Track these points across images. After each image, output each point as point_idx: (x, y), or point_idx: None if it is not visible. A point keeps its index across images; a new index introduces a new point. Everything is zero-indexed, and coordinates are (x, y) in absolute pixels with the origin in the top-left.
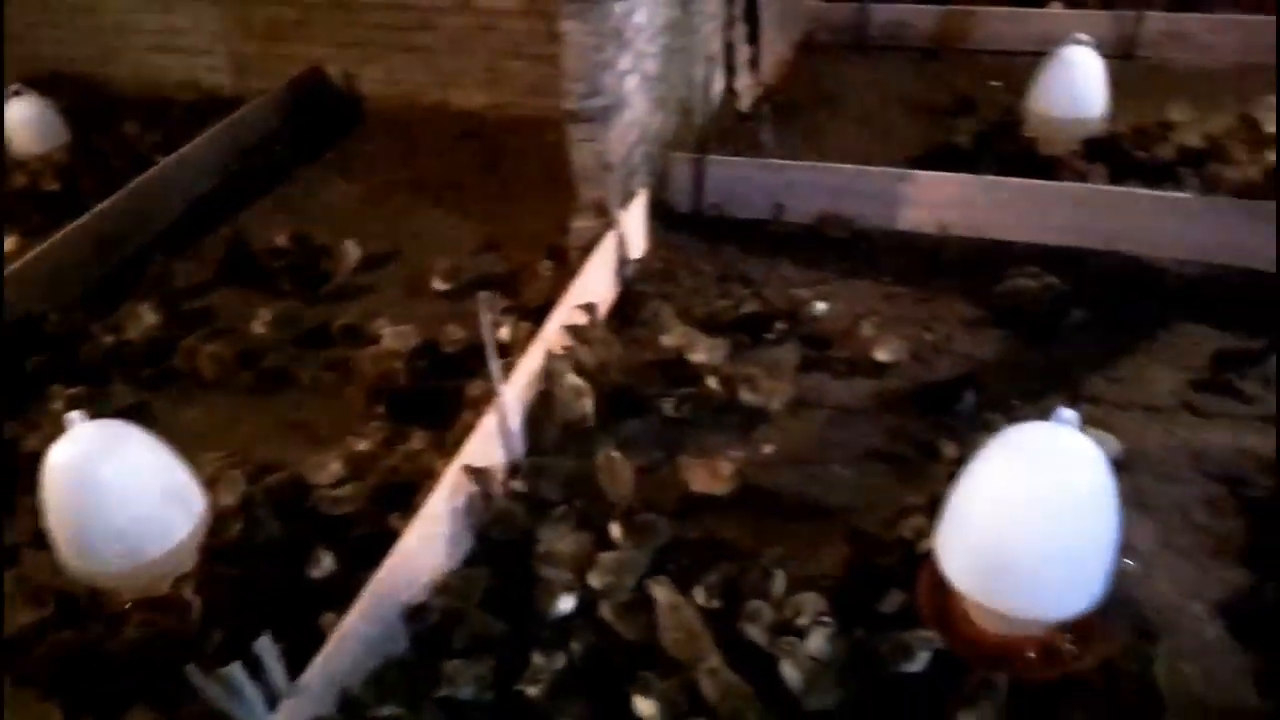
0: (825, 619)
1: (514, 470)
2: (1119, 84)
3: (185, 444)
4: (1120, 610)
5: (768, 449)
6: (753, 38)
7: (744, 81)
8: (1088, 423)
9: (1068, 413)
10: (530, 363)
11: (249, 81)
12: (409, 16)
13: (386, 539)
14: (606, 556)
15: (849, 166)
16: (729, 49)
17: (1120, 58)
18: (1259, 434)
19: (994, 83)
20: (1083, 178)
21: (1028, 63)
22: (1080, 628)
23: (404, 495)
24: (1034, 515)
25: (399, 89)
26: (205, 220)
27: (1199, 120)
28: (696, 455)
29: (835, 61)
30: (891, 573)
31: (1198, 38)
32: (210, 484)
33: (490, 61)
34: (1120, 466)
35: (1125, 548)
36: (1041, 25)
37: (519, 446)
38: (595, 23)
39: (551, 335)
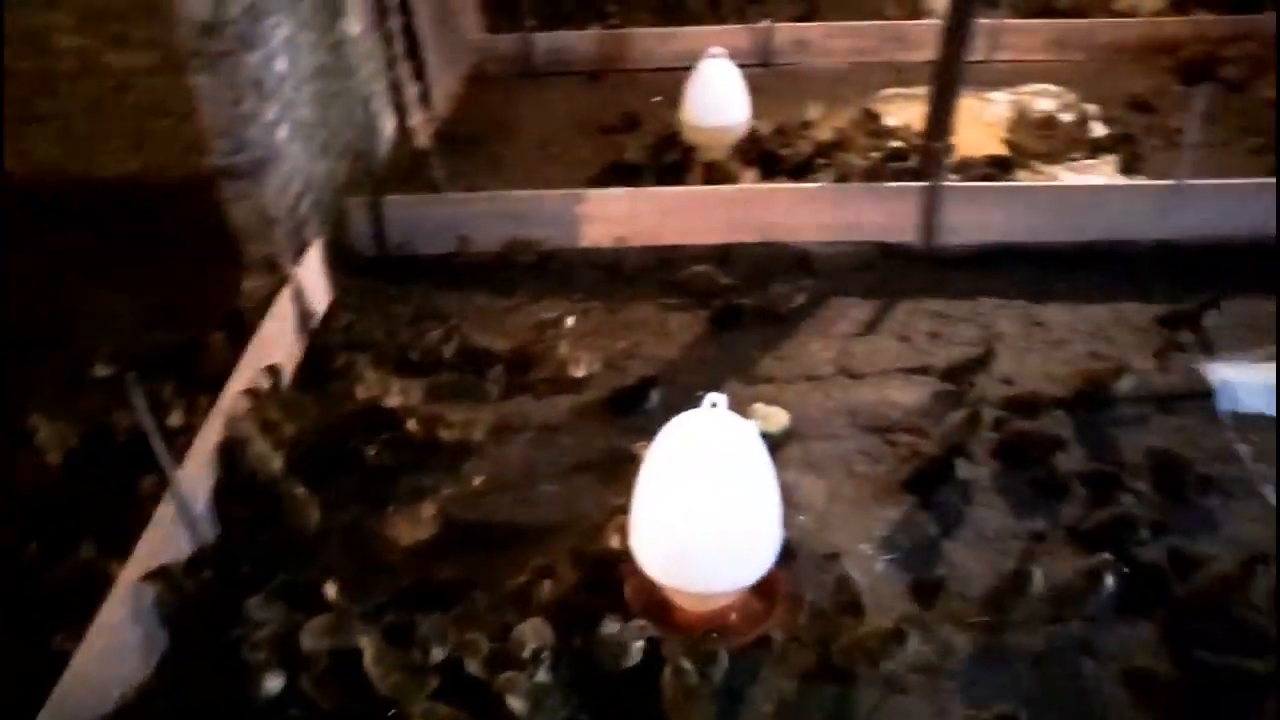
0: (546, 645)
1: (203, 555)
2: (761, 90)
3: None
4: (806, 562)
5: (477, 481)
6: (419, 74)
7: (417, 118)
8: (762, 400)
9: (716, 397)
10: (209, 438)
11: None
12: (19, 84)
13: (58, 663)
14: (317, 621)
15: (527, 193)
16: (395, 87)
17: (759, 65)
18: (898, 386)
19: (655, 98)
20: (734, 179)
21: (683, 77)
22: (767, 586)
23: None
24: (700, 497)
25: (32, 162)
26: None
27: (829, 116)
28: (405, 501)
29: (506, 91)
30: (606, 578)
31: (819, 44)
32: None
33: (135, 123)
34: (791, 435)
35: (803, 507)
36: (688, 42)
37: (208, 529)
38: (228, 75)
39: (231, 405)
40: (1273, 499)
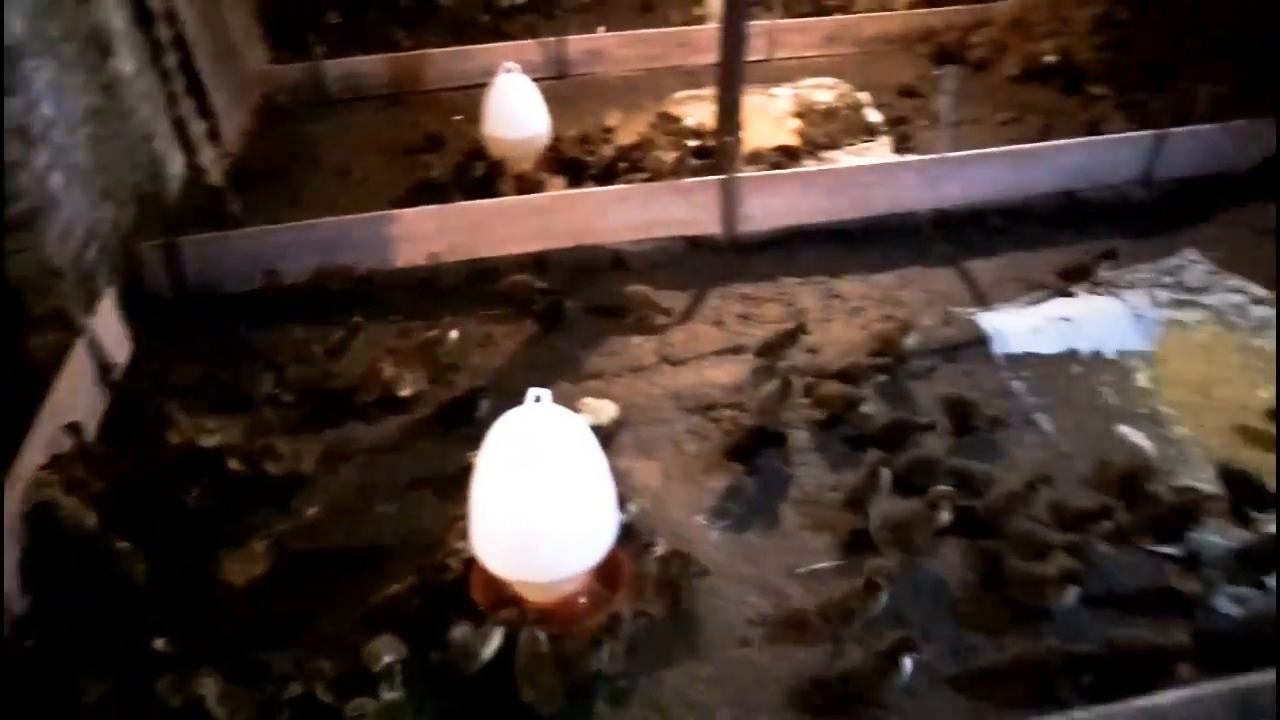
0: (398, 659)
1: (20, 627)
2: (561, 100)
3: None
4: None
5: (310, 511)
6: (204, 110)
7: (207, 155)
8: (591, 394)
9: (539, 392)
10: (10, 509)
11: None
12: None
13: None
14: (163, 683)
15: (332, 219)
16: (180, 125)
17: (556, 78)
18: (716, 367)
19: (456, 116)
20: (542, 188)
21: (481, 95)
22: (610, 568)
23: None
24: (533, 490)
25: None
26: None
27: (629, 121)
28: (236, 541)
29: (301, 121)
30: (451, 584)
31: (611, 53)
32: None
33: None
34: (622, 424)
35: (639, 490)
36: (483, 59)
37: (17, 603)
38: None
39: (30, 471)
40: (1047, 426)
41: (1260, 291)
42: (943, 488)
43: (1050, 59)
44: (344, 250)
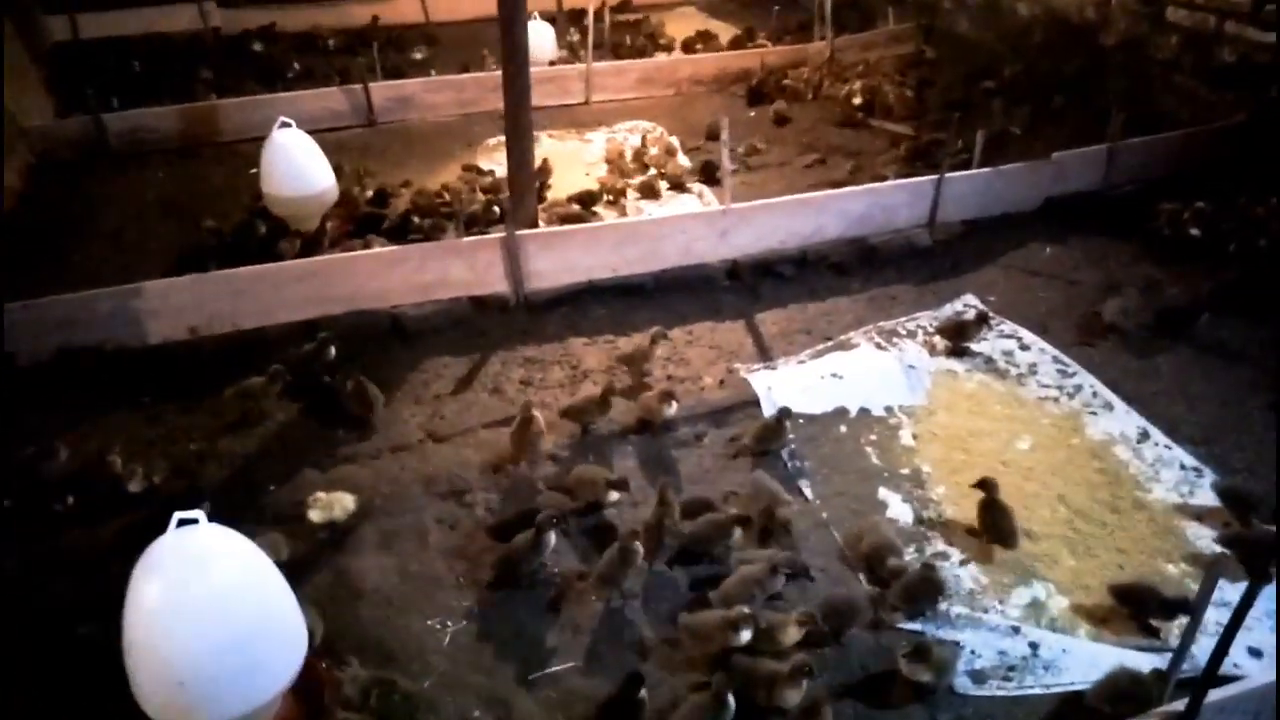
0: None
1: None
2: (367, 149)
3: None
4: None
5: None
6: None
7: None
8: (345, 478)
9: (188, 514)
10: None
11: None
12: None
13: None
14: None
15: (72, 295)
16: None
17: (365, 126)
18: (474, 446)
19: (252, 170)
20: (322, 248)
21: None
22: (310, 684)
23: None
24: (190, 623)
25: None
26: None
27: (434, 171)
28: None
29: (79, 178)
30: None
31: (420, 99)
32: None
33: None
34: (364, 515)
35: (370, 592)
36: (282, 108)
37: None
38: None
39: None
40: (808, 491)
41: (1029, 336)
42: None
43: (858, 100)
44: (88, 327)
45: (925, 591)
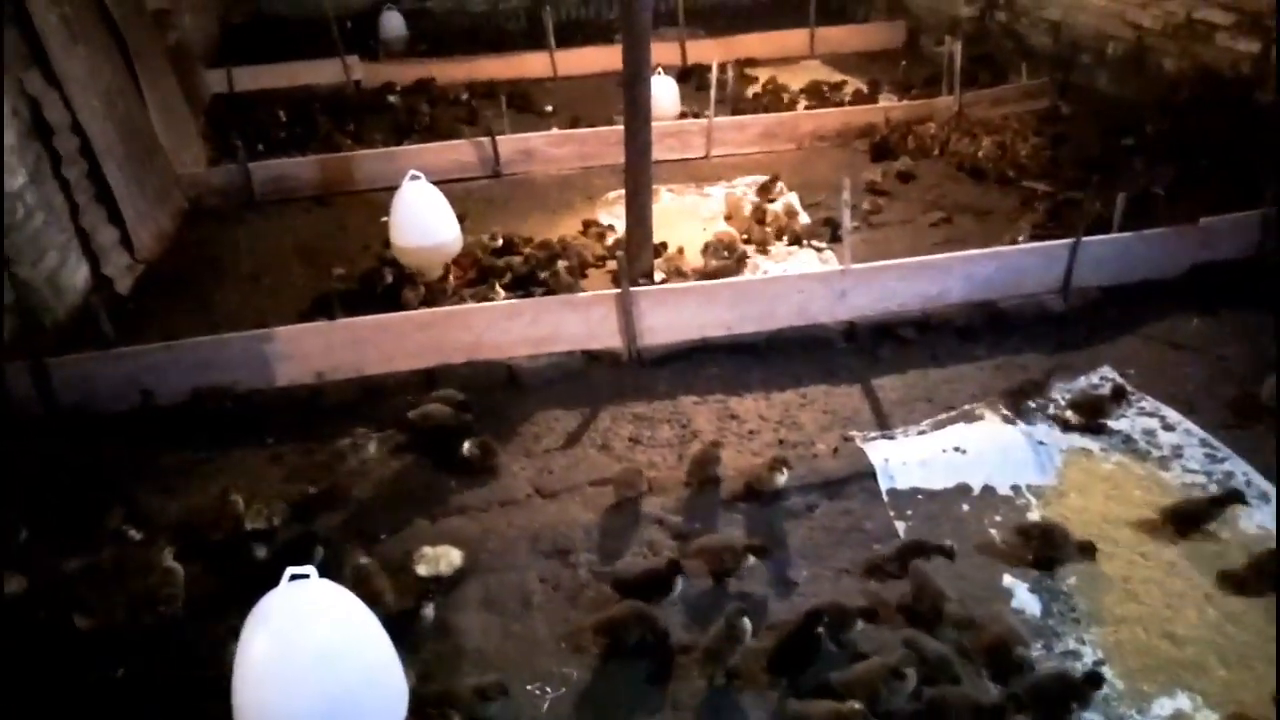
0: None
1: None
2: (491, 201)
3: None
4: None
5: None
6: (115, 217)
7: (117, 264)
8: (453, 532)
9: (301, 569)
10: None
11: None
12: None
13: None
14: None
15: (209, 338)
16: (83, 236)
17: (491, 177)
18: (580, 503)
19: (384, 219)
20: (447, 299)
21: None
22: None
23: None
24: (289, 677)
25: None
26: None
27: (554, 223)
28: None
29: (225, 224)
30: None
31: (543, 152)
32: None
33: None
34: (468, 571)
35: (471, 653)
36: (412, 161)
37: None
38: None
39: None
40: None
41: (1173, 415)
42: None
43: (987, 155)
44: (221, 369)
45: (1058, 694)
